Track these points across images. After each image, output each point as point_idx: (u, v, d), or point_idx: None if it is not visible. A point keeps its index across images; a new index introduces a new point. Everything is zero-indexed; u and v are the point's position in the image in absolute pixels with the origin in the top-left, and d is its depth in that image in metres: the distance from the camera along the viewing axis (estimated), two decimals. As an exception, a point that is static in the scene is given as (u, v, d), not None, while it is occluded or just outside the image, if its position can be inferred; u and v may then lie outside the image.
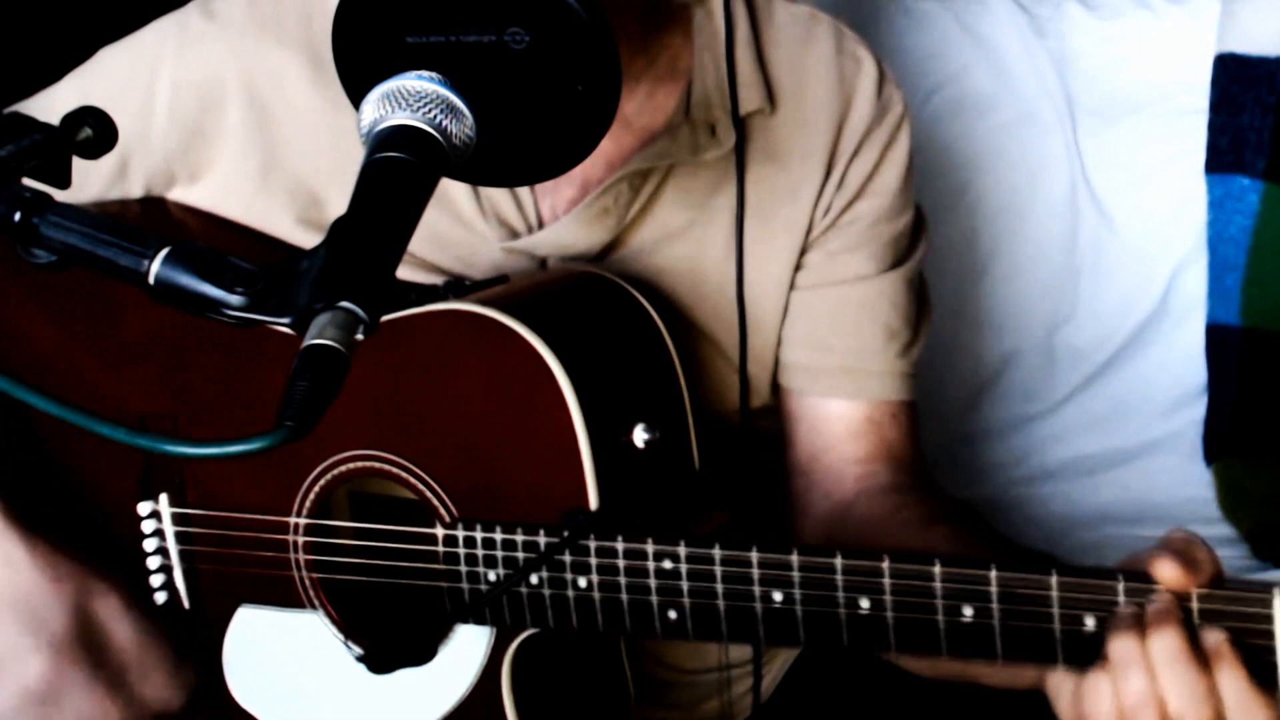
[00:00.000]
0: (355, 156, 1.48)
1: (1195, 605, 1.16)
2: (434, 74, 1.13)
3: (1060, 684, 1.21)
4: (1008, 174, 2.24)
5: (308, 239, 1.49)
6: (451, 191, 1.46)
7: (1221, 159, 2.16)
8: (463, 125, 1.13)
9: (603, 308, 1.43)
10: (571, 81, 1.17)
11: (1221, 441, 2.18)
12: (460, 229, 1.48)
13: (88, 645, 1.38)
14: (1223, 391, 2.18)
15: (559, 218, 1.48)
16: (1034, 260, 2.23)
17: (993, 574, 1.20)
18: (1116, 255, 2.22)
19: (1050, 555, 1.30)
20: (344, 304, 1.01)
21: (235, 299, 1.05)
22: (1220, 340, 2.17)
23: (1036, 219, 2.23)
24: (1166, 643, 1.14)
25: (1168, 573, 1.16)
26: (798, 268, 1.52)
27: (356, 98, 1.15)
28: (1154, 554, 1.17)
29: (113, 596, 1.40)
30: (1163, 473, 2.20)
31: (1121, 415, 2.23)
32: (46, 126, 1.13)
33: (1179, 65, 2.20)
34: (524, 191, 1.48)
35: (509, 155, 1.20)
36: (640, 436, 1.36)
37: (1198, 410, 2.20)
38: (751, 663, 1.59)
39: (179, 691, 1.42)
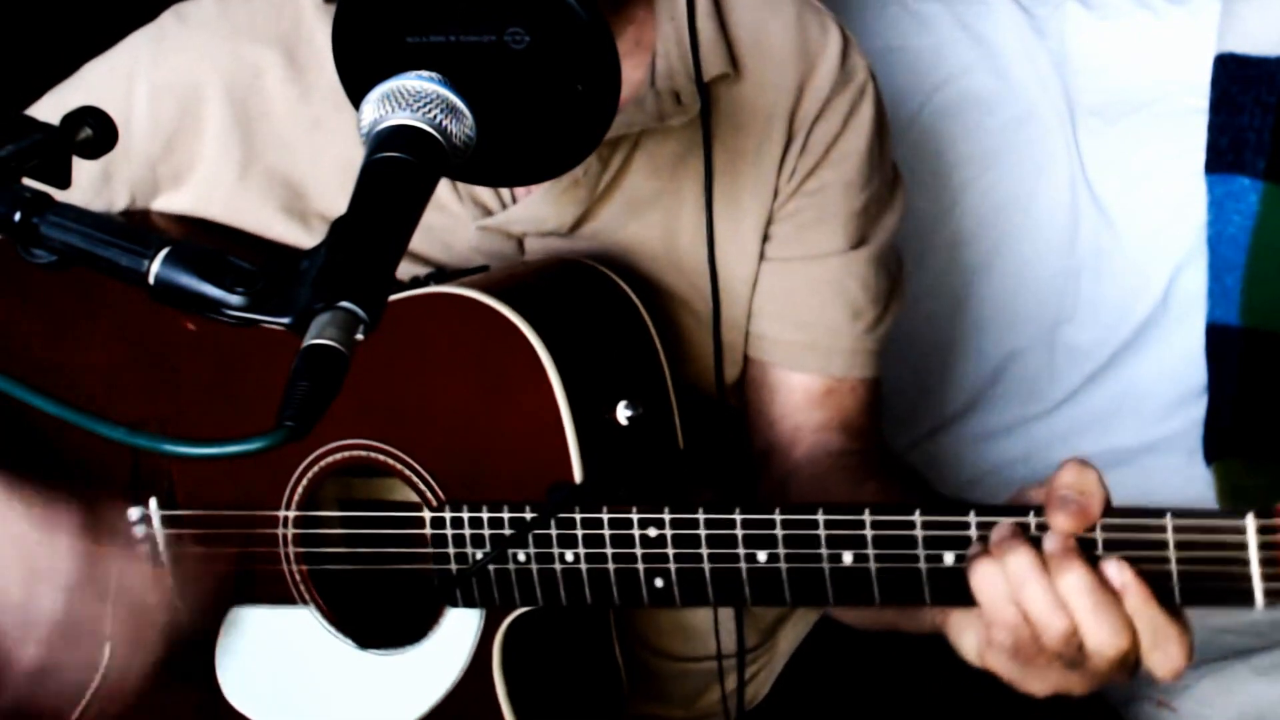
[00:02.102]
0: (332, 148, 1.49)
1: (1100, 534, 1.17)
2: (434, 74, 1.13)
3: (957, 624, 1.23)
4: (1008, 174, 2.24)
5: (291, 231, 1.50)
6: None
7: (1221, 159, 2.16)
8: (463, 125, 1.13)
9: (583, 290, 1.44)
10: (571, 81, 1.17)
11: (1221, 441, 2.18)
12: (437, 213, 1.48)
13: (99, 578, 1.35)
14: (1223, 391, 2.18)
15: (531, 193, 1.49)
16: (1034, 260, 2.23)
17: (971, 518, 1.20)
18: (1116, 255, 2.22)
19: (968, 503, 1.30)
20: (344, 304, 1.01)
21: (235, 299, 1.05)
22: (1220, 340, 2.17)
23: (1036, 219, 2.23)
24: (1020, 560, 1.16)
25: (1063, 523, 1.16)
26: (766, 237, 1.53)
27: (356, 98, 1.15)
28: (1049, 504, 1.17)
29: (112, 527, 1.38)
30: (1163, 473, 2.20)
31: (1121, 415, 2.23)
32: (46, 126, 1.13)
33: (1179, 65, 2.20)
34: None
35: (509, 155, 1.20)
36: (623, 413, 1.36)
37: (1198, 410, 2.20)
38: (747, 650, 1.60)
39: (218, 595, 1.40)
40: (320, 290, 1.02)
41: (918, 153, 2.19)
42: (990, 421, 2.26)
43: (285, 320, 1.03)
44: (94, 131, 1.15)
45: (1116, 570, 1.15)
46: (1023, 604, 1.16)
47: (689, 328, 1.51)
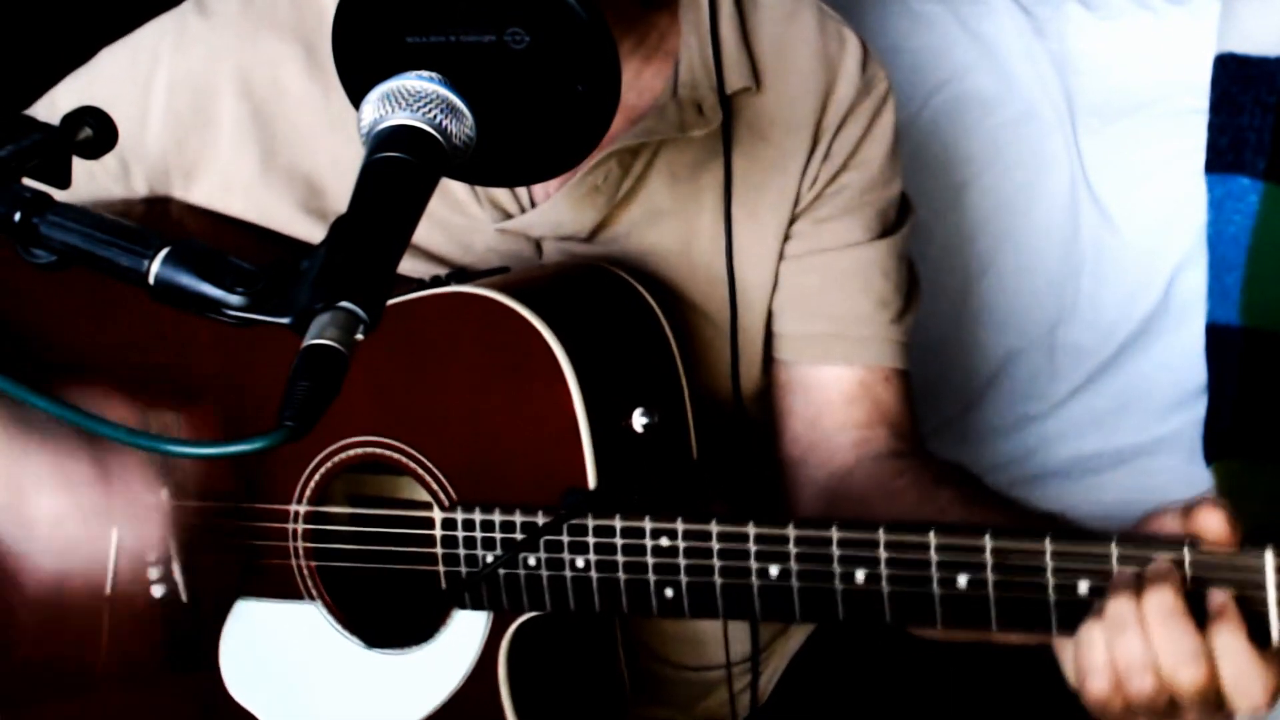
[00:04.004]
0: (352, 145, 1.50)
1: (1188, 569, 1.16)
2: (434, 74, 1.14)
3: (1064, 645, 1.22)
4: (1008, 174, 2.24)
5: (311, 228, 1.50)
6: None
7: (1221, 159, 2.16)
8: (463, 125, 1.13)
9: (603, 295, 1.44)
10: (571, 81, 1.17)
11: (1221, 441, 2.18)
12: (455, 213, 1.49)
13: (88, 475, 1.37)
14: (1223, 391, 2.17)
15: (550, 197, 1.49)
16: (1034, 260, 2.23)
17: (987, 541, 1.20)
18: (1116, 255, 2.22)
19: (1054, 515, 1.29)
20: (344, 304, 1.01)
21: (235, 299, 1.05)
22: (1220, 340, 2.17)
23: (1036, 219, 2.23)
24: (1162, 600, 1.14)
25: (1215, 522, 1.16)
26: (786, 237, 1.53)
27: (356, 98, 1.15)
28: (1196, 508, 1.17)
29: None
30: (1163, 473, 2.19)
31: (1122, 415, 2.23)
32: (46, 126, 1.14)
33: (1179, 65, 2.20)
34: None
35: (509, 155, 1.20)
36: (639, 420, 1.36)
37: (1198, 410, 2.20)
38: (749, 660, 1.59)
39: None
40: (320, 290, 1.02)
41: (918, 152, 2.19)
42: (990, 421, 2.26)
43: (285, 320, 1.04)
44: (94, 131, 1.16)
45: (1219, 598, 1.15)
46: (1114, 654, 1.16)
47: (705, 336, 1.52)
